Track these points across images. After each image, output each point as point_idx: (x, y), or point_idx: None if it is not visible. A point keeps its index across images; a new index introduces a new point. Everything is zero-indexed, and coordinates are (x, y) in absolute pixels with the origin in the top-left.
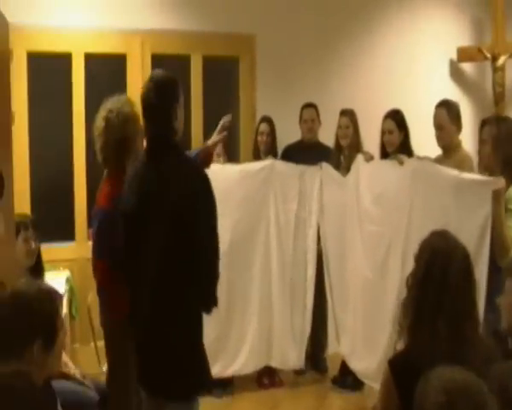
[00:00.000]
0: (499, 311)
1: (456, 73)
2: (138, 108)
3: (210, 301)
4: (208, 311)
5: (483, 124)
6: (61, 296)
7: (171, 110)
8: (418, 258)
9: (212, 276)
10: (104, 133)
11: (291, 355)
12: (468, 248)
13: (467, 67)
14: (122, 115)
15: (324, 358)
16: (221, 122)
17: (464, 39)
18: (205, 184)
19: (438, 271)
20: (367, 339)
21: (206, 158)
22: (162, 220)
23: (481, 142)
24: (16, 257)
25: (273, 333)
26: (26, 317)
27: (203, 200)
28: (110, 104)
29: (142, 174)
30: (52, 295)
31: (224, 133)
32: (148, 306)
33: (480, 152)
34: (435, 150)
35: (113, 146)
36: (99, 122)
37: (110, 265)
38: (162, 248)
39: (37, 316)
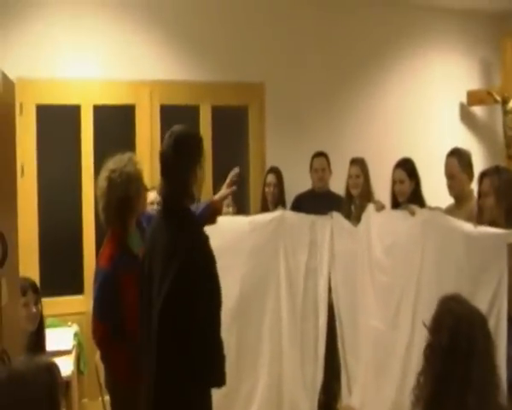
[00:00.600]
0: None
1: (466, 117)
2: (142, 166)
3: (215, 378)
4: (216, 386)
5: (482, 176)
6: (59, 369)
7: (190, 171)
8: (438, 326)
9: (213, 353)
10: (107, 193)
11: (302, 405)
12: (486, 304)
13: (477, 110)
14: (125, 175)
15: (337, 408)
16: (229, 176)
17: (474, 82)
18: (211, 267)
19: (464, 339)
20: (378, 391)
21: (213, 213)
22: (161, 288)
23: (483, 194)
24: (20, 324)
25: (284, 384)
26: (26, 396)
27: (202, 278)
28: (112, 164)
29: (155, 233)
30: (51, 370)
31: (233, 188)
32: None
33: (481, 204)
34: (446, 198)
35: (115, 205)
36: (101, 182)
37: (111, 329)
38: (160, 318)
39: (38, 394)
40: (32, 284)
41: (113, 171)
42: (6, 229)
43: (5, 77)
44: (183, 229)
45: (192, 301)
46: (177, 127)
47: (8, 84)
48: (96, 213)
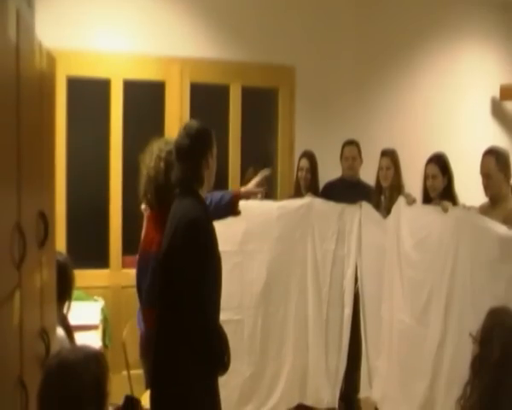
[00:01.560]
0: None
1: (498, 112)
2: None
3: (216, 363)
4: (218, 372)
5: None
6: (106, 359)
7: (201, 158)
8: (488, 339)
9: (207, 336)
10: (164, 175)
11: (325, 394)
12: None
13: (510, 105)
14: None
15: (358, 399)
16: (260, 175)
17: (508, 76)
18: (191, 240)
19: None
20: (402, 386)
21: (234, 205)
22: (162, 268)
23: None
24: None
25: (308, 371)
26: (76, 386)
27: (186, 259)
28: (166, 146)
29: (171, 215)
30: (99, 360)
31: (261, 189)
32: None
33: None
34: (476, 194)
35: (169, 188)
36: (156, 162)
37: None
38: (160, 297)
39: (87, 384)
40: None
41: (169, 153)
42: (46, 207)
43: (48, 53)
44: (187, 208)
45: (185, 280)
46: (189, 121)
47: (51, 61)
48: (124, 187)
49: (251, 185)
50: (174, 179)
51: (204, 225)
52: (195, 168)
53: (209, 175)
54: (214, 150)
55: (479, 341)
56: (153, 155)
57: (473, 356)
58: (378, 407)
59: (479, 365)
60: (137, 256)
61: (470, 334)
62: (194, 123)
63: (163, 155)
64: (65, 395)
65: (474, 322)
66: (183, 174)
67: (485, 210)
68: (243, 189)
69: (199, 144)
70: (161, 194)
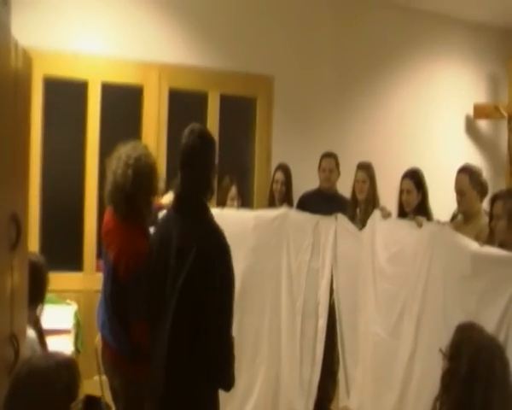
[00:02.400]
0: None
1: (471, 130)
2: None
3: (225, 381)
4: (226, 389)
5: (495, 198)
6: (77, 367)
7: (212, 168)
8: (457, 354)
9: (226, 353)
10: (132, 183)
11: (298, 405)
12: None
13: (482, 124)
14: (150, 166)
15: (331, 409)
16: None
17: (481, 96)
18: (226, 255)
19: (483, 368)
20: (376, 396)
21: None
22: (175, 283)
23: (495, 216)
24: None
25: (281, 382)
26: (47, 394)
27: (222, 274)
28: (133, 152)
29: (169, 229)
30: (70, 368)
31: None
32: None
33: (493, 227)
34: (450, 209)
35: (143, 199)
36: (122, 169)
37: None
38: (174, 315)
39: (58, 392)
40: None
41: (138, 159)
42: (19, 209)
43: (24, 52)
44: (203, 224)
45: (207, 295)
46: (196, 125)
47: (27, 60)
48: (99, 191)
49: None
50: (181, 186)
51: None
52: (205, 178)
53: (215, 187)
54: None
55: (448, 356)
56: (120, 161)
57: (442, 371)
58: None
59: (448, 379)
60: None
61: (440, 349)
62: (203, 128)
63: (131, 162)
64: (35, 404)
65: (445, 337)
66: (194, 183)
67: (458, 226)
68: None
69: (211, 152)
70: (130, 203)
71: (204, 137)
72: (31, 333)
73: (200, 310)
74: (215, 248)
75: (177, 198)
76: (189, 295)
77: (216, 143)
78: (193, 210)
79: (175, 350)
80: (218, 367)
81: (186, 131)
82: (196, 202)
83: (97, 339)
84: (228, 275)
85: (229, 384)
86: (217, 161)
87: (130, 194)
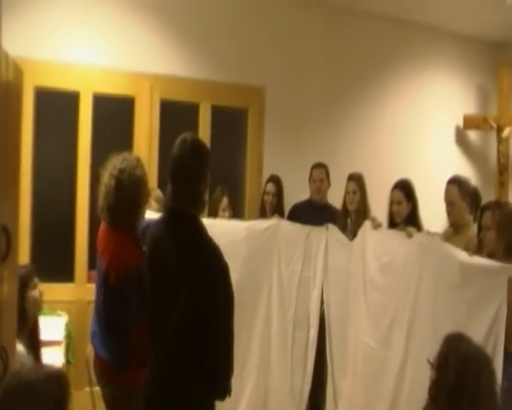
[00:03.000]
0: None
1: (461, 140)
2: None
3: (223, 392)
4: (222, 399)
5: (483, 209)
6: (67, 380)
7: (204, 180)
8: (444, 365)
9: (227, 366)
10: (114, 194)
11: None
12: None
13: (472, 135)
14: (135, 178)
15: None
16: None
17: (471, 107)
18: (224, 271)
19: (470, 379)
20: (366, 407)
21: None
22: (174, 301)
23: (484, 227)
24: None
25: (271, 391)
26: (37, 407)
27: (222, 291)
28: (120, 163)
29: (160, 242)
30: (60, 380)
31: None
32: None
33: (482, 237)
34: (439, 219)
35: (125, 210)
36: (108, 180)
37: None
38: (174, 332)
39: (48, 405)
40: (34, 268)
41: (121, 171)
42: (9, 220)
43: (15, 64)
44: (198, 240)
45: (210, 313)
46: (189, 135)
47: (18, 72)
48: (90, 202)
49: None
50: (172, 199)
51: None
52: (196, 190)
53: (206, 200)
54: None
55: (435, 367)
56: (107, 171)
57: (430, 382)
58: None
59: (435, 390)
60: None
61: (428, 360)
62: (196, 138)
63: (115, 173)
64: None
65: (434, 347)
66: (185, 196)
67: (448, 236)
68: None
69: (202, 164)
70: (113, 212)
71: (196, 147)
72: (19, 347)
73: (200, 327)
74: (214, 270)
75: (169, 211)
76: (190, 315)
77: (209, 152)
78: (186, 225)
79: (175, 365)
80: (218, 380)
81: (178, 141)
82: (189, 217)
83: (88, 350)
84: (227, 294)
85: (225, 395)
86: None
87: (112, 204)
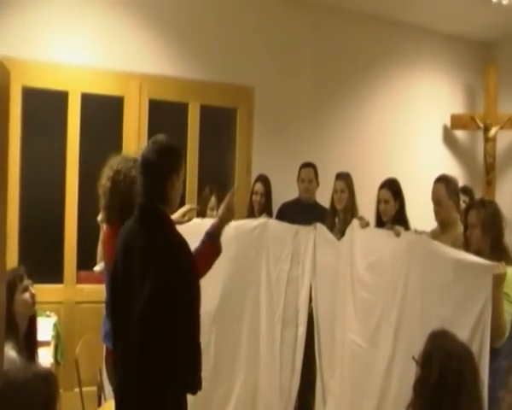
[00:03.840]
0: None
1: (448, 140)
2: None
3: (194, 386)
4: (193, 393)
5: (469, 208)
6: (56, 379)
7: (168, 177)
8: (428, 361)
9: (193, 359)
10: (109, 194)
11: None
12: (467, 331)
13: (459, 134)
14: (129, 179)
15: None
16: (226, 200)
17: (458, 107)
18: (188, 264)
19: (454, 375)
20: (353, 404)
21: (217, 232)
22: (142, 293)
23: (470, 226)
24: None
25: (259, 390)
26: (24, 407)
27: (185, 284)
28: (117, 164)
29: (130, 238)
30: (49, 380)
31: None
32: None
33: (469, 236)
34: (426, 217)
35: (117, 208)
36: (105, 181)
37: None
38: (140, 325)
39: (36, 405)
40: (24, 270)
41: (117, 172)
42: None
43: (2, 65)
44: (160, 231)
45: (172, 304)
46: (161, 136)
47: (5, 72)
48: (79, 202)
49: (178, 214)
50: (138, 194)
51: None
52: (160, 186)
53: (174, 197)
54: (182, 172)
55: (420, 363)
56: (104, 173)
57: (415, 378)
58: None
59: (420, 386)
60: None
61: (413, 357)
62: (165, 138)
63: (111, 173)
64: None
65: (421, 345)
66: (147, 192)
67: (435, 235)
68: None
69: (167, 162)
70: (107, 211)
71: (162, 148)
72: (8, 351)
73: (164, 321)
74: (178, 262)
75: (139, 208)
76: (155, 308)
77: (179, 153)
78: (153, 220)
79: (143, 362)
80: (187, 373)
81: (150, 141)
82: (156, 212)
83: (78, 349)
84: (191, 287)
85: (197, 388)
86: (182, 172)
87: (108, 204)
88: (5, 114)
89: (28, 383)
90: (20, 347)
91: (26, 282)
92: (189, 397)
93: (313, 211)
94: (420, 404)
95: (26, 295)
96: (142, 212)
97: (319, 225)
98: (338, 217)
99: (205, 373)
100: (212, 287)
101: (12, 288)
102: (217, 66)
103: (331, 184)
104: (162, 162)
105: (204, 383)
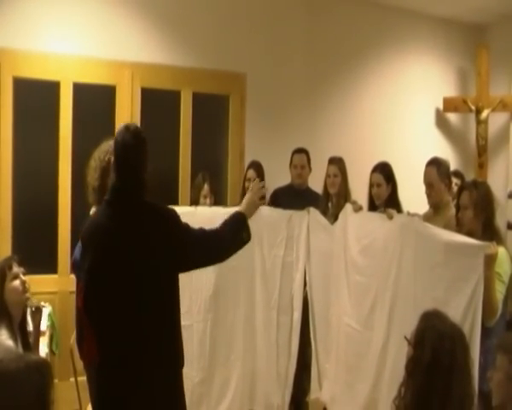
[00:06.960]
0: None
1: (441, 123)
2: None
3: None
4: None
5: (461, 189)
6: (50, 368)
7: (145, 167)
8: (421, 342)
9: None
10: (97, 178)
11: (275, 399)
12: (460, 311)
13: (452, 117)
14: (108, 158)
15: (306, 402)
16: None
17: (450, 89)
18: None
19: (445, 355)
20: (349, 387)
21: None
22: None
23: (462, 207)
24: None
25: (257, 377)
26: (16, 397)
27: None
28: (104, 153)
29: (107, 228)
30: (42, 369)
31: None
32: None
33: (461, 217)
34: (419, 200)
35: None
36: (91, 170)
37: None
38: (130, 307)
39: (29, 395)
40: (15, 258)
41: (100, 160)
42: None
43: None
44: (149, 208)
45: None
46: (132, 124)
47: None
48: (73, 192)
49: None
50: (116, 183)
51: None
52: (140, 173)
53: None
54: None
55: (412, 343)
56: (91, 166)
57: (407, 358)
58: (327, 408)
59: (412, 366)
60: None
61: (405, 337)
62: (136, 124)
63: (96, 163)
64: (3, 407)
65: (415, 326)
66: (130, 181)
67: (427, 217)
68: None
69: (145, 147)
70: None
71: (138, 135)
72: (3, 340)
73: (170, 302)
74: (177, 224)
75: (115, 195)
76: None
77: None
78: (133, 204)
79: (153, 343)
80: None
81: (121, 128)
82: (134, 196)
83: (73, 339)
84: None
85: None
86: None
87: (97, 186)
88: None
89: (20, 372)
90: (15, 337)
91: (17, 269)
92: (188, 388)
93: (306, 196)
94: (412, 384)
95: (16, 283)
96: (121, 201)
97: (312, 210)
98: (331, 202)
99: (202, 362)
100: (206, 275)
101: (1, 276)
102: (208, 53)
103: (324, 168)
104: (141, 152)
105: (202, 372)
